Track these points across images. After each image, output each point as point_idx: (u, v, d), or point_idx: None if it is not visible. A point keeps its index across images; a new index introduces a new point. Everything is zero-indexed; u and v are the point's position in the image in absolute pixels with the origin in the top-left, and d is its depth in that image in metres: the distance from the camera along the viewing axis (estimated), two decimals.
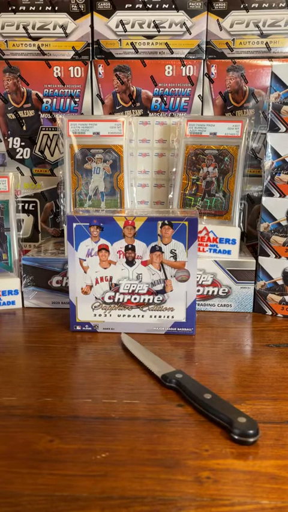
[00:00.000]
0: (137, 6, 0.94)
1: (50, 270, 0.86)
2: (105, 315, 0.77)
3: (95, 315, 0.77)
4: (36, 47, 0.97)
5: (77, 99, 0.98)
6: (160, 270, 0.75)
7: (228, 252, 0.85)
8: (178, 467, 0.46)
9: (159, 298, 0.76)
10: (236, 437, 0.50)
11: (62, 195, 0.92)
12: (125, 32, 0.95)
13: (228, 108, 0.96)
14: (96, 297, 0.76)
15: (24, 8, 0.95)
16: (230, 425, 0.51)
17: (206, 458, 0.48)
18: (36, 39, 0.97)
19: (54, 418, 0.54)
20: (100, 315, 0.77)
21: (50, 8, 0.95)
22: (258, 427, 0.50)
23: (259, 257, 0.84)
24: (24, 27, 0.96)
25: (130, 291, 0.76)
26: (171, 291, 0.75)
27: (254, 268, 0.84)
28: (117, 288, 0.76)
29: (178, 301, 0.75)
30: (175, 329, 0.76)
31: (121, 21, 0.95)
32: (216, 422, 0.53)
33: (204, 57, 0.96)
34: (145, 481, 0.45)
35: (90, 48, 0.97)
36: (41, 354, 0.70)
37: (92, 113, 0.98)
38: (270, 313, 0.84)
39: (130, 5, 0.94)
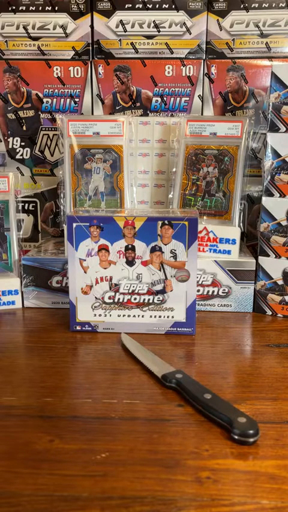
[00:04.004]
0: (137, 6, 0.94)
1: (50, 270, 0.86)
2: (105, 315, 0.77)
3: (95, 315, 0.77)
4: (36, 47, 0.97)
5: (77, 99, 0.98)
6: (160, 270, 0.75)
7: (228, 252, 0.85)
8: (178, 467, 0.46)
9: (159, 298, 0.76)
10: (236, 437, 0.50)
11: (62, 195, 0.92)
12: (125, 32, 0.95)
13: (228, 108, 0.96)
14: (96, 297, 0.76)
15: (24, 8, 0.95)
16: (230, 425, 0.51)
17: (206, 458, 0.48)
18: (36, 39, 0.97)
19: (54, 418, 0.54)
20: (100, 315, 0.77)
21: (50, 8, 0.95)
22: (258, 427, 0.50)
23: (259, 257, 0.84)
24: (24, 27, 0.96)
25: (130, 291, 0.76)
26: (171, 291, 0.75)
27: (254, 268, 0.84)
28: (117, 288, 0.76)
29: (178, 301, 0.75)
30: (175, 329, 0.76)
31: (121, 21, 0.95)
32: (216, 422, 0.53)
33: (204, 57, 0.96)
34: (145, 481, 0.45)
35: (90, 48, 0.97)
36: (41, 354, 0.70)
37: (92, 113, 0.98)
38: (270, 313, 0.84)
39: (130, 5, 0.94)
